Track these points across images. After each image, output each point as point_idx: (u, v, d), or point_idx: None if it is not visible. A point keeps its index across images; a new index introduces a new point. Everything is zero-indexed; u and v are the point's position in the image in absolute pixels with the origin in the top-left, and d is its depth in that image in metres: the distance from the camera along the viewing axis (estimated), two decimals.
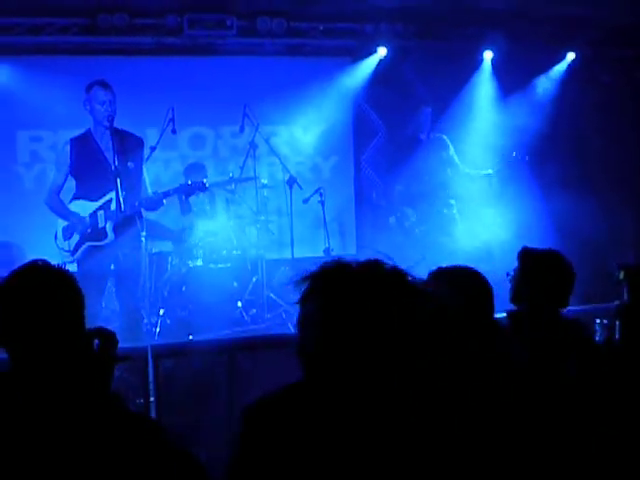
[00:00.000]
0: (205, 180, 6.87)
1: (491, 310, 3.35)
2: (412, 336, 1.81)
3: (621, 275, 4.44)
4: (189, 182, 6.83)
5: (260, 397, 2.54)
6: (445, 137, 8.56)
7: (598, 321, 5.86)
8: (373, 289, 1.85)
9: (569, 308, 4.50)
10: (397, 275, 1.89)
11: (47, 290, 2.50)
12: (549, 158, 9.30)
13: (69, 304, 2.53)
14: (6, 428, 2.33)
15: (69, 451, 2.32)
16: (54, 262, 6.52)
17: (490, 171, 8.49)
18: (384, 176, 9.98)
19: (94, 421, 2.40)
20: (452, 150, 8.52)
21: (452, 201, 8.40)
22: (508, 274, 3.88)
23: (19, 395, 2.40)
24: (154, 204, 6.63)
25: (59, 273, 2.59)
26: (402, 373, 1.84)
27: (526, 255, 3.89)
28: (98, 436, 2.37)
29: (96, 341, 2.69)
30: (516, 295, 3.83)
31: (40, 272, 2.56)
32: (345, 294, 1.87)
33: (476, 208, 8.33)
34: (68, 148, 6.61)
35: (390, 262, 1.96)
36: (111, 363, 2.69)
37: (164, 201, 6.66)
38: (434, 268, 3.35)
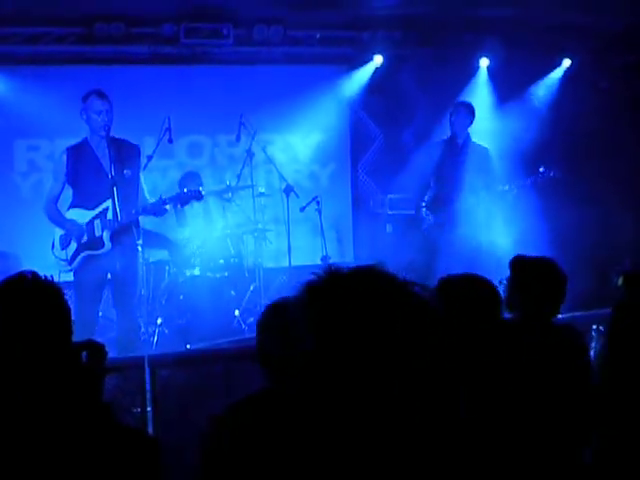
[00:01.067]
0: (201, 189, 6.86)
1: (500, 318, 3.36)
2: (409, 345, 1.80)
3: (620, 281, 4.44)
4: (185, 190, 6.82)
5: (226, 406, 2.57)
6: (487, 147, 8.49)
7: (595, 327, 5.88)
8: (367, 297, 1.84)
9: (565, 315, 4.51)
10: (394, 281, 1.87)
11: (32, 302, 2.50)
12: (546, 165, 9.29)
13: (54, 316, 2.53)
14: None
15: (54, 462, 2.32)
16: (50, 271, 6.54)
17: (506, 187, 8.40)
18: (381, 183, 9.99)
19: (82, 432, 2.40)
20: (493, 162, 8.44)
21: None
22: (500, 282, 3.88)
23: (3, 406, 2.40)
24: (157, 209, 6.62)
25: (46, 285, 2.59)
26: (398, 383, 1.83)
27: (518, 263, 3.91)
28: (86, 447, 2.38)
29: (84, 353, 2.70)
30: (509, 303, 3.83)
31: (26, 284, 2.56)
32: (337, 304, 1.85)
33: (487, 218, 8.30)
34: (65, 157, 6.61)
35: (385, 268, 1.95)
36: (100, 375, 2.71)
37: (167, 207, 6.66)
38: (444, 276, 3.36)
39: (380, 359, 1.79)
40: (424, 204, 8.41)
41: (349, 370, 1.79)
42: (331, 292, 1.86)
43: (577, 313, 6.09)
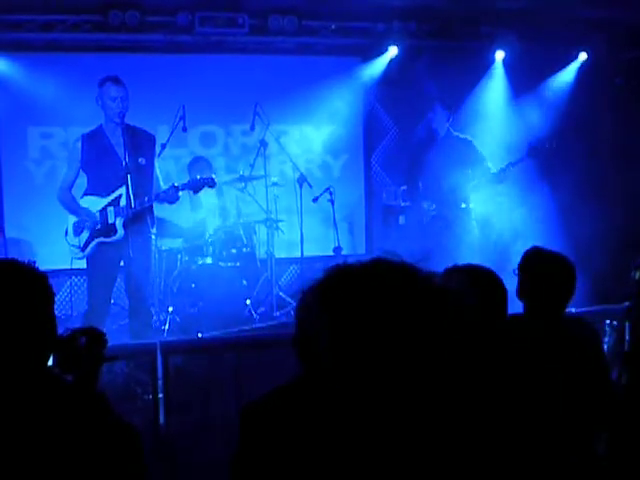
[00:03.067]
0: (214, 175, 6.85)
1: (505, 310, 3.36)
2: (425, 335, 1.79)
3: (637, 275, 4.43)
4: (198, 177, 6.81)
5: (259, 396, 2.54)
6: (469, 138, 8.43)
7: (608, 322, 5.86)
8: (381, 289, 1.83)
9: (579, 309, 4.50)
10: (406, 272, 1.87)
11: (8, 289, 2.44)
12: (560, 158, 9.25)
13: (33, 302, 2.46)
14: None
15: (38, 452, 2.30)
16: (63, 258, 6.57)
17: (502, 166, 8.35)
18: (394, 175, 9.97)
19: (59, 421, 2.36)
20: (479, 150, 8.40)
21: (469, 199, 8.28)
22: (515, 271, 3.90)
23: None
24: (170, 197, 6.60)
25: (26, 271, 2.52)
26: (414, 374, 1.82)
27: (533, 255, 3.92)
28: (69, 436, 2.34)
29: (82, 339, 2.69)
30: (520, 292, 3.86)
31: (4, 270, 2.51)
32: (352, 298, 1.85)
33: (491, 206, 8.28)
34: (80, 144, 6.60)
35: (398, 258, 1.94)
36: (97, 362, 2.72)
37: (180, 194, 6.65)
38: (449, 265, 3.36)
39: (395, 351, 1.78)
40: (422, 196, 8.43)
41: (365, 363, 1.79)
42: (344, 287, 1.85)
43: (590, 308, 6.08)
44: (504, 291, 3.35)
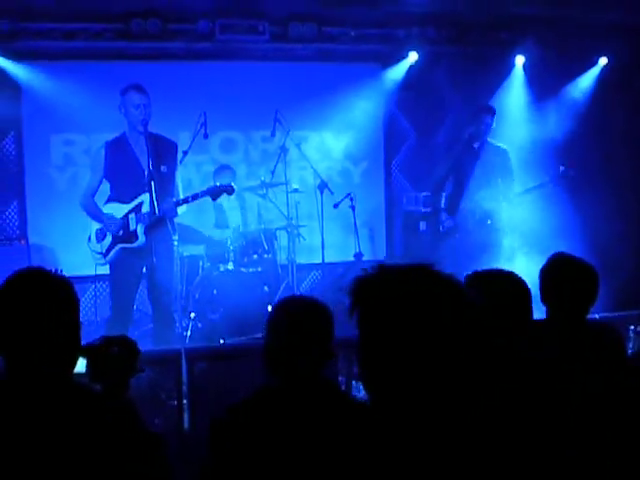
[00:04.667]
0: (233, 183, 6.89)
1: (528, 314, 3.37)
2: (463, 340, 1.82)
3: None
4: (217, 184, 6.85)
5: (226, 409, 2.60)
6: (506, 147, 8.44)
7: (632, 328, 5.85)
8: (423, 295, 1.86)
9: (603, 314, 4.50)
10: (445, 280, 1.89)
11: (35, 297, 2.48)
12: (581, 164, 9.23)
13: (60, 311, 2.50)
14: (4, 434, 2.33)
15: (65, 458, 2.32)
16: (86, 264, 6.61)
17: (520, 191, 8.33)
18: (415, 181, 9.98)
19: (93, 428, 2.40)
20: (511, 163, 8.40)
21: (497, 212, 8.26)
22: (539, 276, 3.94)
23: (13, 402, 2.41)
24: (169, 213, 6.58)
25: (52, 279, 2.56)
26: (455, 378, 1.85)
27: (556, 260, 3.94)
28: (94, 445, 2.37)
29: (115, 348, 2.70)
30: (543, 296, 3.89)
31: (31, 279, 2.55)
32: (388, 300, 1.87)
33: (517, 220, 8.26)
34: (103, 151, 6.67)
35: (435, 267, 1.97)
36: (128, 372, 2.72)
37: (177, 210, 6.64)
38: (469, 272, 3.37)
39: (428, 351, 1.81)
40: (443, 206, 8.40)
41: (399, 360, 1.82)
42: (382, 288, 1.88)
43: (614, 313, 6.07)
44: (526, 294, 3.36)
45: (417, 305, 1.82)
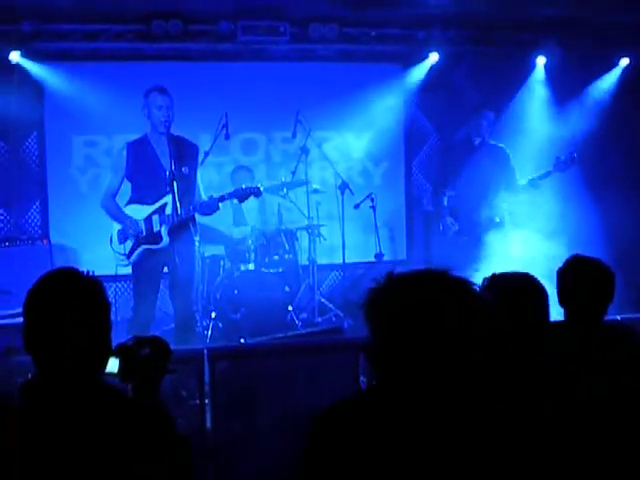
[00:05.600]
0: (259, 185, 6.91)
1: (545, 316, 3.37)
2: (469, 345, 1.83)
3: None
4: (243, 187, 6.87)
5: (329, 407, 2.54)
6: (504, 146, 8.41)
7: None
8: (429, 304, 1.87)
9: (622, 315, 4.49)
10: (464, 284, 1.90)
11: (67, 298, 2.49)
12: (603, 164, 9.21)
13: (92, 312, 2.52)
14: (35, 436, 2.34)
15: (93, 460, 2.33)
16: (108, 265, 6.64)
17: (524, 181, 8.27)
18: (434, 182, 9.96)
19: (122, 429, 2.40)
20: (511, 161, 8.37)
21: (503, 208, 8.23)
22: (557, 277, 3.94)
23: (42, 403, 2.41)
24: (209, 208, 6.67)
25: (84, 281, 2.58)
26: (470, 378, 1.85)
27: (573, 261, 3.94)
28: (123, 446, 2.37)
29: (147, 349, 2.69)
30: (561, 297, 3.89)
31: (63, 279, 2.56)
32: (415, 305, 1.88)
33: (526, 217, 8.22)
34: (125, 152, 6.69)
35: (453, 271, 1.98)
36: (160, 373, 2.69)
37: (219, 205, 6.71)
38: (488, 275, 3.38)
39: (435, 358, 1.82)
40: (447, 211, 8.39)
41: (422, 363, 1.82)
42: (390, 300, 1.89)
43: (633, 314, 6.03)
44: (544, 296, 3.37)
45: (423, 315, 1.84)
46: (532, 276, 3.43)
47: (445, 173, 8.46)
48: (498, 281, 3.33)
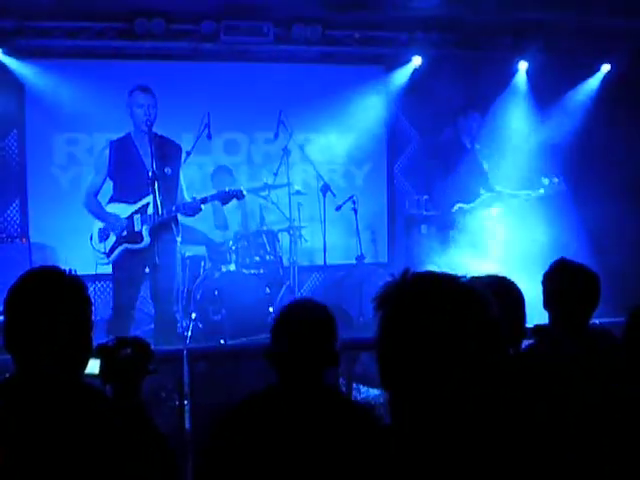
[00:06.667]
0: (242, 188, 6.89)
1: (522, 319, 3.40)
2: (485, 350, 1.83)
3: None
4: (226, 189, 6.86)
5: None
6: (469, 146, 8.47)
7: None
8: (452, 305, 1.88)
9: (606, 320, 4.50)
10: (471, 291, 1.92)
11: (48, 296, 2.48)
12: (584, 170, 9.25)
13: (73, 311, 2.51)
14: (13, 434, 2.32)
15: (73, 460, 2.31)
16: (88, 263, 6.58)
17: (531, 193, 8.36)
18: (417, 184, 9.98)
19: (102, 429, 2.38)
20: (486, 167, 8.45)
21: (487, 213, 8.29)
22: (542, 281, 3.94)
23: (22, 402, 2.39)
24: (192, 210, 6.65)
25: (65, 279, 2.56)
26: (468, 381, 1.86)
27: (559, 265, 3.95)
28: (103, 446, 2.35)
29: (128, 350, 2.67)
30: (546, 302, 3.89)
31: (44, 278, 2.55)
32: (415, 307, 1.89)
33: (511, 224, 8.26)
34: (107, 151, 6.67)
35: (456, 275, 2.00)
36: (140, 374, 2.68)
37: (202, 207, 6.68)
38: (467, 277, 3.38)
39: (448, 357, 1.82)
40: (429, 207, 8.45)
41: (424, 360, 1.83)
42: (410, 295, 1.90)
43: (617, 319, 6.05)
44: (521, 300, 3.43)
45: (446, 314, 1.84)
46: (509, 279, 3.45)
47: (427, 176, 8.52)
48: (476, 283, 3.33)
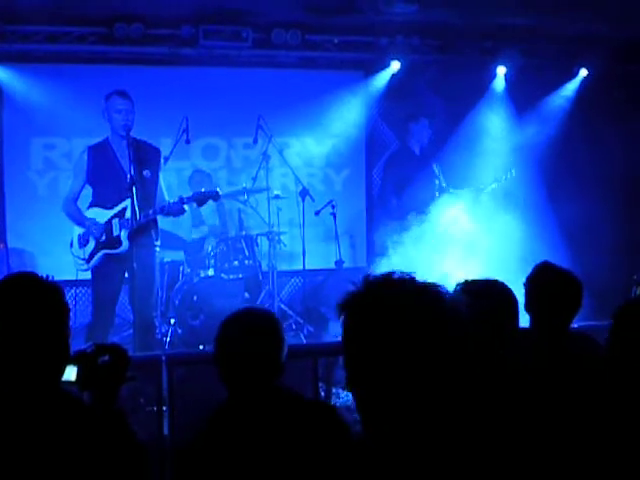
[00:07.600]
0: (218, 189, 6.88)
1: (516, 322, 3.40)
2: (451, 352, 1.83)
3: (637, 291, 4.45)
4: (202, 190, 6.84)
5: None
6: (435, 166, 8.62)
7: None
8: (412, 309, 1.86)
9: (585, 323, 4.53)
10: (431, 289, 1.90)
11: (25, 302, 2.47)
12: (562, 174, 9.30)
13: (50, 318, 2.49)
14: None
15: (50, 468, 2.30)
16: (67, 269, 6.56)
17: (494, 185, 8.48)
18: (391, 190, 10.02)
19: (79, 437, 2.38)
20: (441, 178, 8.57)
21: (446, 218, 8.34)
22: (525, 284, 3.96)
23: None
24: (176, 210, 6.62)
25: (42, 285, 2.55)
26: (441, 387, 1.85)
27: (542, 269, 3.96)
28: (81, 454, 2.35)
29: (106, 357, 2.67)
30: (528, 305, 3.91)
31: (21, 284, 2.54)
32: (379, 313, 1.88)
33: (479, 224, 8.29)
34: (86, 156, 6.65)
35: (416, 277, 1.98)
36: (118, 381, 2.68)
37: (185, 207, 6.67)
38: (461, 280, 3.39)
39: (414, 362, 1.82)
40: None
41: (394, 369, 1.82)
42: (370, 302, 1.89)
43: (597, 322, 6.08)
44: (515, 303, 3.41)
45: (406, 318, 1.82)
46: (503, 283, 3.45)
47: (389, 182, 8.63)
48: (471, 287, 3.34)
